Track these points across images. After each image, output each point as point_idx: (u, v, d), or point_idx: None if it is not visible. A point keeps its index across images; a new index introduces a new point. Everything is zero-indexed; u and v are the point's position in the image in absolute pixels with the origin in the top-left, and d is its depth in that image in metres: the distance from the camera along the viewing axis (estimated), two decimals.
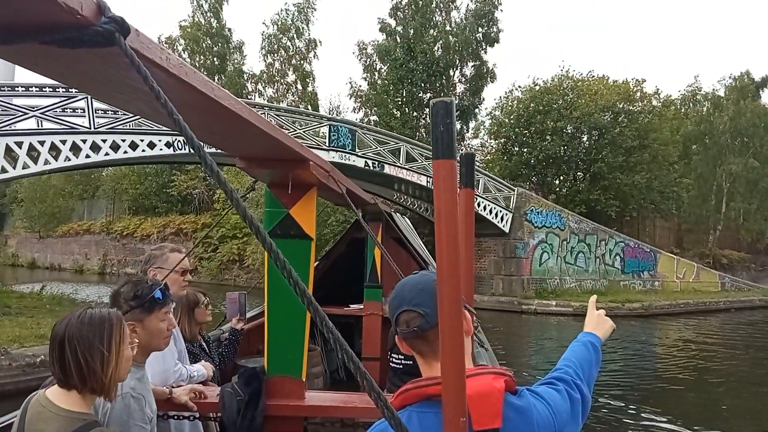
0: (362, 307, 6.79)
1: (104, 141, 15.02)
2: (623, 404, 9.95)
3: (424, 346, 1.38)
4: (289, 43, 42.32)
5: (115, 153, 15.22)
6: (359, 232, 7.43)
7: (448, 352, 1.16)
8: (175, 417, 2.96)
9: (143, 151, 15.65)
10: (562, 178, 34.50)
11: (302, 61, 42.61)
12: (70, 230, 47.38)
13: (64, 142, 14.41)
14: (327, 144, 19.44)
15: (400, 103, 34.87)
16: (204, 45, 43.95)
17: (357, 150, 20.20)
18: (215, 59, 44.02)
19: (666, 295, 27.31)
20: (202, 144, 1.13)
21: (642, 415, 9.40)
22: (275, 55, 42.11)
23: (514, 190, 25.93)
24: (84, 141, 14.70)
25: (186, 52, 43.68)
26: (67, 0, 0.91)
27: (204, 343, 3.89)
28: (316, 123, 19.93)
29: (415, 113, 35.06)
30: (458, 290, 1.15)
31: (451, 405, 1.17)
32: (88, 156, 14.75)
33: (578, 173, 33.99)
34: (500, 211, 25.08)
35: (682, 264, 30.92)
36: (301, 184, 2.90)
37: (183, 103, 1.47)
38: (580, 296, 24.94)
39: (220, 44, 44.28)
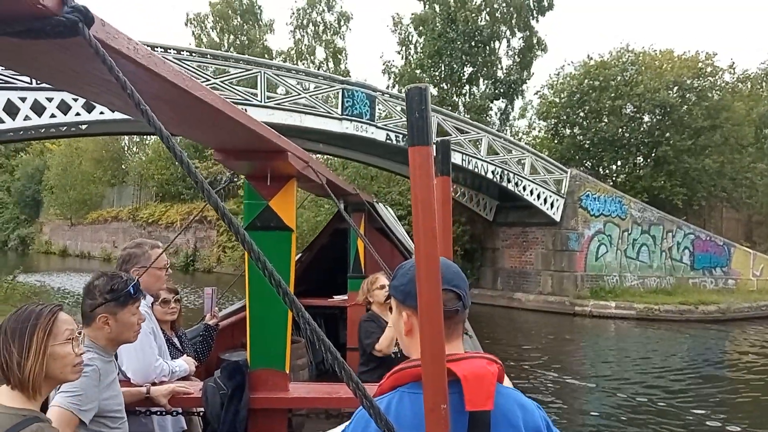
0: (346, 297, 6.86)
1: (50, 100, 12.15)
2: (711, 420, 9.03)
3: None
4: (318, 18, 39.77)
5: (65, 115, 12.34)
6: (342, 223, 7.45)
7: (428, 340, 1.17)
8: (158, 413, 3.01)
9: (101, 113, 12.69)
10: (620, 163, 31.55)
11: (333, 36, 39.96)
12: (99, 217, 47.19)
13: None
14: (339, 112, 16.45)
15: (437, 79, 31.73)
16: (234, 23, 41.87)
17: (376, 121, 17.13)
18: (245, 38, 41.88)
19: (743, 296, 23.99)
20: (170, 134, 0.99)
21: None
22: (304, 30, 39.59)
23: (566, 172, 22.73)
24: (23, 99, 11.94)
25: (215, 31, 41.72)
26: None
27: (176, 339, 3.71)
28: (326, 86, 16.85)
29: (454, 89, 31.86)
30: (437, 279, 1.17)
31: (431, 392, 1.18)
32: (27, 118, 11.94)
33: (638, 158, 30.81)
34: (550, 196, 21.98)
35: (759, 259, 27.38)
36: (279, 175, 2.94)
37: (153, 95, 1.53)
38: (644, 296, 21.94)
39: (250, 22, 42.13)
